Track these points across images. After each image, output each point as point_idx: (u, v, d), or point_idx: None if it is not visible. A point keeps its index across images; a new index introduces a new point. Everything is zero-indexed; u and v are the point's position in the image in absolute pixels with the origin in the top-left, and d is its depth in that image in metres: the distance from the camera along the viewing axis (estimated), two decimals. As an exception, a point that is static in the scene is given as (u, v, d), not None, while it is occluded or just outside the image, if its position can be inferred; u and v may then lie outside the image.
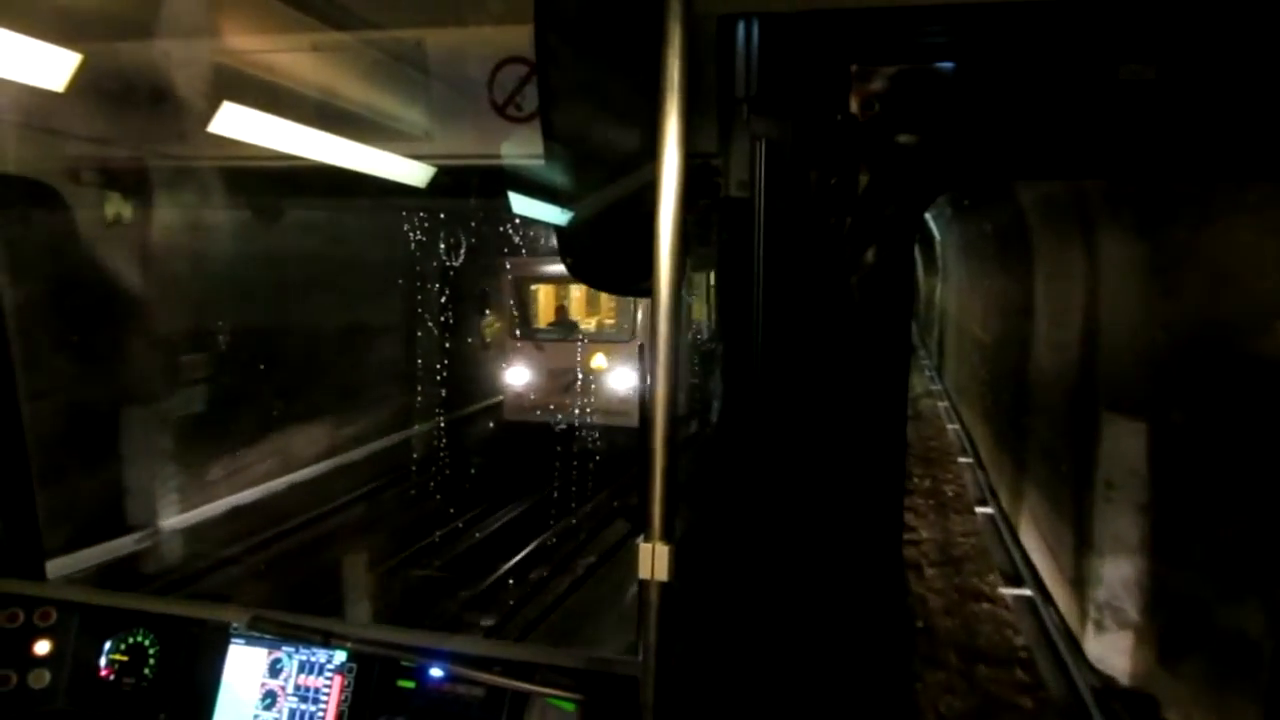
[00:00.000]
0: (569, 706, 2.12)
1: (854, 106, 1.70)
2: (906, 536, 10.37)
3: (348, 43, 3.17)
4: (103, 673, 2.50)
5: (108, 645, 2.52)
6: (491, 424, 14.52)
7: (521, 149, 3.04)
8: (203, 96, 3.29)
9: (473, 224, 12.91)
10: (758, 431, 1.78)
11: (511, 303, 14.32)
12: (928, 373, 22.91)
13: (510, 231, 13.50)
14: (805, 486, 1.79)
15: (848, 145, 1.70)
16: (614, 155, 1.75)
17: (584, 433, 12.83)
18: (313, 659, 2.37)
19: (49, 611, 2.58)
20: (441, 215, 11.96)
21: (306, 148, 3.66)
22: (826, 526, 1.82)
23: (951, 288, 19.17)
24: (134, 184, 4.15)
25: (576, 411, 13.12)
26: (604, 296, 16.15)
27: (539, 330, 14.54)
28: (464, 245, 12.89)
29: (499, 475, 12.17)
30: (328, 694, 2.33)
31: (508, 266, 14.18)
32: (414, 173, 4.14)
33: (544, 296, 15.61)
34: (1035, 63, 1.64)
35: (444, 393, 13.57)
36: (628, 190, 1.73)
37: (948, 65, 1.71)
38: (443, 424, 13.52)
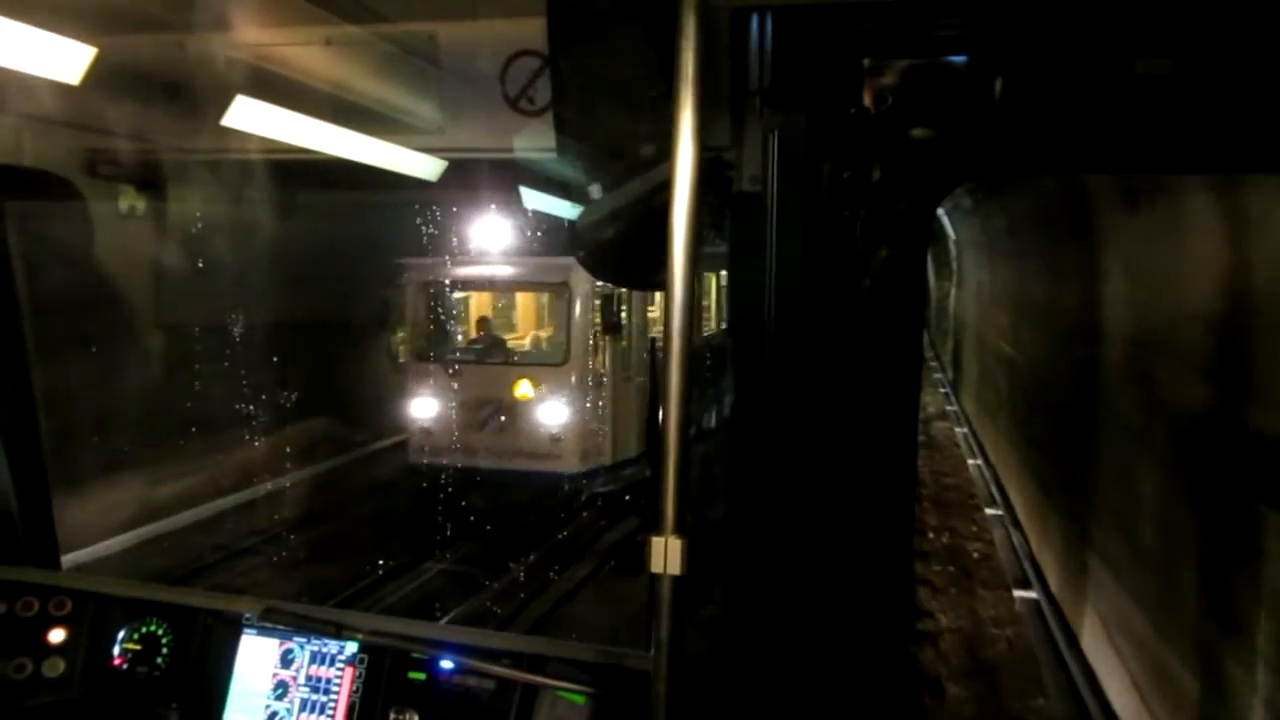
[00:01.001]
0: (579, 699, 2.12)
1: (867, 100, 1.70)
2: (920, 626, 7.81)
3: (361, 36, 3.17)
4: (116, 661, 2.52)
5: (121, 634, 2.54)
6: (389, 469, 11.75)
7: (534, 142, 3.04)
8: (217, 90, 3.30)
9: (380, 214, 10.44)
10: (766, 431, 1.78)
11: (415, 315, 11.63)
12: (942, 389, 19.80)
13: (429, 225, 10.89)
14: (812, 491, 1.79)
15: (861, 139, 1.70)
16: (627, 148, 1.75)
17: (505, 481, 10.60)
18: (324, 650, 2.38)
19: (64, 601, 2.60)
20: (340, 204, 9.09)
21: (319, 141, 3.67)
22: (833, 533, 1.81)
23: (969, 293, 16.19)
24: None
25: (496, 454, 10.81)
26: (546, 309, 13.35)
27: (450, 350, 11.76)
28: (370, 240, 10.59)
29: (374, 552, 8.92)
30: (339, 685, 2.34)
31: (409, 269, 11.55)
32: (425, 166, 4.15)
33: (463, 306, 12.98)
34: (1049, 56, 1.64)
35: (331, 429, 11.35)
36: (641, 183, 1.73)
37: (961, 58, 1.70)
38: (316, 472, 11.13)
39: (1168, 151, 1.68)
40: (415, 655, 2.29)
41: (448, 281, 11.66)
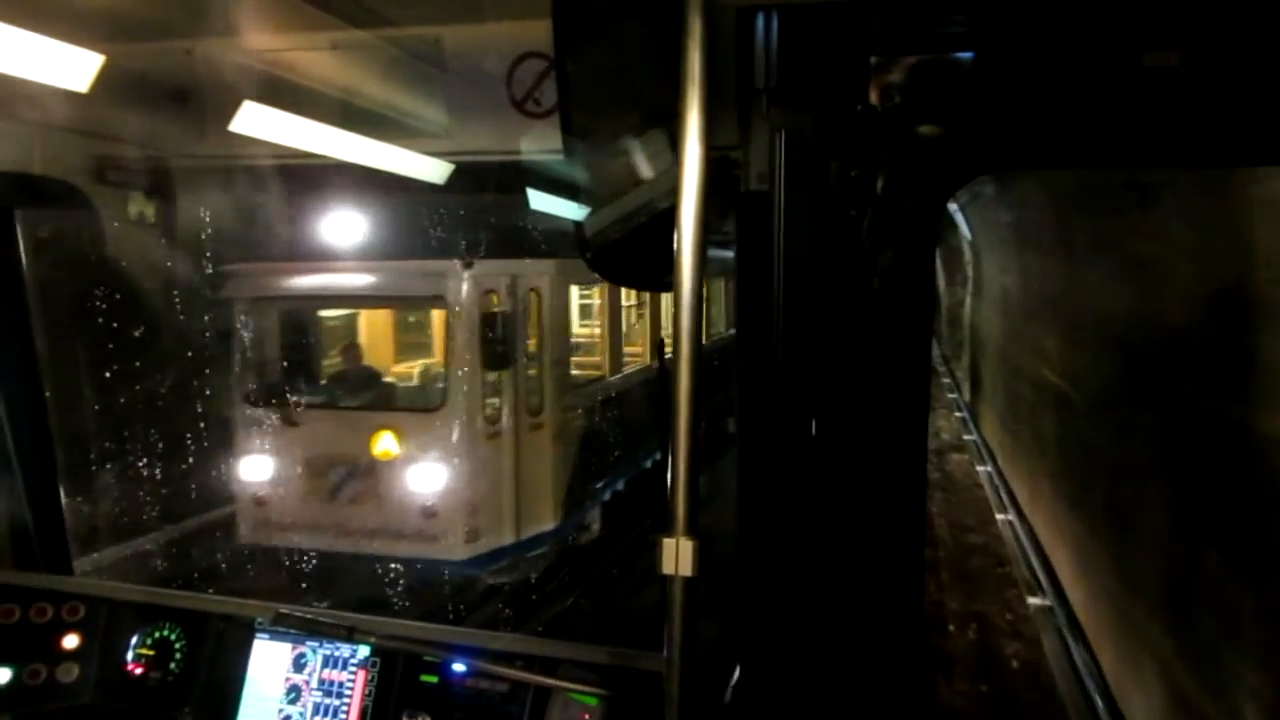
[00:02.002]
0: (592, 701, 2.12)
1: (874, 97, 1.69)
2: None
3: (367, 40, 3.18)
4: (129, 667, 2.53)
5: (134, 640, 2.55)
6: (204, 557, 8.65)
7: (540, 144, 3.04)
8: (222, 96, 3.31)
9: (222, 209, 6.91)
10: (774, 434, 1.77)
11: (245, 341, 8.61)
12: (958, 413, 16.64)
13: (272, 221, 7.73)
14: (823, 492, 1.78)
15: (868, 137, 1.69)
16: (633, 149, 1.75)
17: (363, 571, 8.00)
18: (337, 654, 2.39)
19: (77, 607, 2.61)
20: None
21: (326, 146, 3.68)
22: (844, 533, 1.81)
23: (990, 301, 13.28)
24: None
25: (350, 533, 8.11)
26: (445, 326, 9.16)
27: (294, 389, 8.66)
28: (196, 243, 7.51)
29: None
30: (351, 688, 2.35)
31: (234, 278, 8.48)
32: (432, 170, 4.16)
33: (321, 327, 9.74)
34: (1057, 51, 1.63)
35: (140, 497, 8.65)
36: (647, 184, 1.73)
37: (968, 55, 1.70)
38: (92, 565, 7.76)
39: (1176, 146, 1.67)
40: (427, 658, 2.29)
41: (287, 295, 8.69)
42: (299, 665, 2.41)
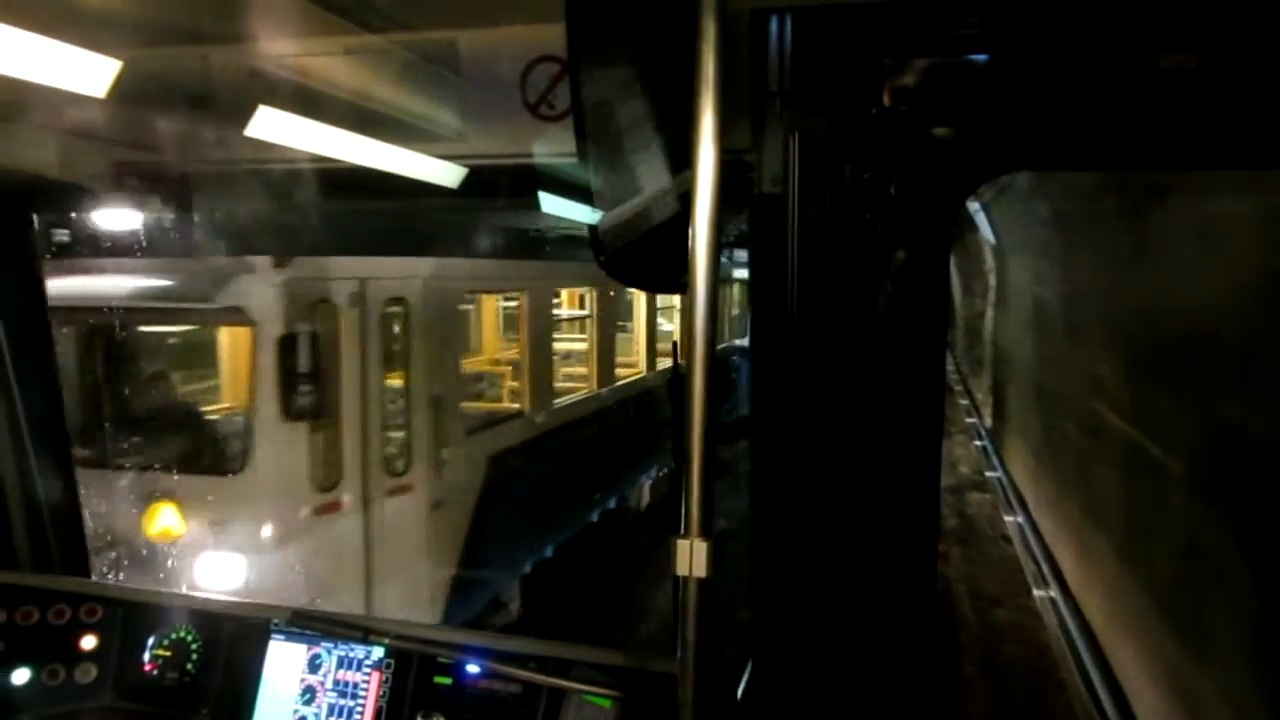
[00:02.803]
0: (605, 703, 2.12)
1: (888, 99, 1.69)
2: None
3: (381, 45, 3.19)
4: (147, 668, 2.55)
5: (151, 641, 2.57)
6: None
7: (554, 148, 3.04)
8: (236, 101, 3.33)
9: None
10: (787, 440, 1.77)
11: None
12: (977, 441, 14.36)
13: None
14: (834, 496, 1.78)
15: (882, 139, 1.69)
16: (647, 152, 1.75)
17: None
18: (351, 655, 2.40)
19: (95, 608, 2.63)
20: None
21: (341, 151, 3.70)
22: (856, 534, 1.80)
23: (1018, 315, 11.15)
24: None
25: None
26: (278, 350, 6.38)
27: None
28: None
29: None
30: (366, 689, 2.36)
31: None
32: (446, 173, 4.17)
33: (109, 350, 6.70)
34: (1072, 52, 1.63)
35: None
36: (661, 187, 1.73)
37: (982, 56, 1.70)
38: None
39: (1193, 148, 1.67)
40: (441, 659, 2.30)
41: (73, 303, 6.13)
42: (314, 666, 2.42)
